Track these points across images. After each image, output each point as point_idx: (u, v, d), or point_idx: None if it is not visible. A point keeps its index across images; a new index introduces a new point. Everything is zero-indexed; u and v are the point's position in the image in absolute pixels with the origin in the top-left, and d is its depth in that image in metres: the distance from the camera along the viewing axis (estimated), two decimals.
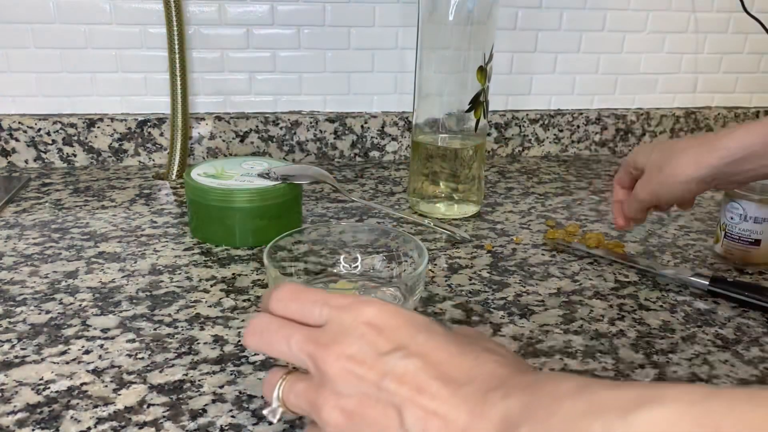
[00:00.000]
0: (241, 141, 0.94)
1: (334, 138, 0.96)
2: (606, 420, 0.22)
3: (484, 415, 0.25)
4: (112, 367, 0.45)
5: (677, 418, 0.21)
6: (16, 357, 0.46)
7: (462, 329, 0.35)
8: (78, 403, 0.41)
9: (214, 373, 0.45)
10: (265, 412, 0.33)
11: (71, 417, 0.40)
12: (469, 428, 0.25)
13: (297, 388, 0.31)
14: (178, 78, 0.86)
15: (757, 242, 0.62)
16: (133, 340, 0.48)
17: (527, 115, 1.02)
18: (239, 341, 0.49)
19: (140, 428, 0.39)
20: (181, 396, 0.42)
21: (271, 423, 0.35)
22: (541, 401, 0.24)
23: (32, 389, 0.43)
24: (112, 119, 0.89)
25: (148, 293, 0.56)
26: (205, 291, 0.56)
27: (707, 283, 0.57)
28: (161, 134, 0.91)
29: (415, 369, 0.27)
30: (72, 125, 0.89)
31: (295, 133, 0.95)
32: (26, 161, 0.89)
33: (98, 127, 0.89)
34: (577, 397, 0.24)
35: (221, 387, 0.43)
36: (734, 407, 0.21)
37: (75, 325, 0.50)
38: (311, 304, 0.31)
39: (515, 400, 0.25)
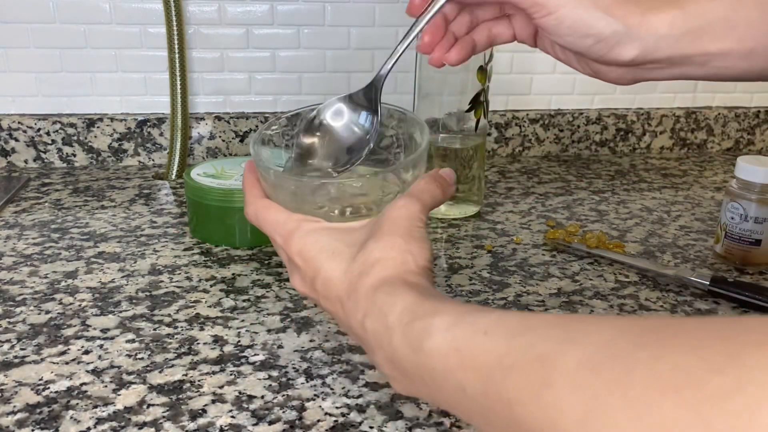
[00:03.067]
0: (241, 141, 0.94)
1: None
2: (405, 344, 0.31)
3: (353, 323, 0.35)
4: (112, 367, 0.45)
5: (444, 344, 0.29)
6: (15, 357, 0.46)
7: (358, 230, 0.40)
8: (78, 404, 0.41)
9: (213, 373, 0.45)
10: None
11: (71, 417, 0.40)
12: (350, 328, 0.36)
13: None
14: (178, 78, 0.86)
15: (758, 242, 0.62)
16: (132, 341, 0.48)
17: (527, 115, 1.02)
18: (239, 341, 0.49)
19: (140, 428, 0.39)
20: (180, 396, 0.42)
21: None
22: (377, 317, 0.33)
23: (32, 389, 0.42)
24: (111, 119, 0.89)
25: (148, 293, 0.55)
26: (205, 291, 0.56)
27: (708, 283, 0.57)
28: (161, 134, 0.91)
29: (325, 291, 0.37)
30: (71, 125, 0.88)
31: None
32: (26, 161, 0.89)
33: (98, 127, 0.89)
34: (400, 332, 0.31)
35: (221, 387, 0.43)
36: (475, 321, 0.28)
37: (75, 326, 0.50)
38: (269, 235, 0.41)
39: (360, 311, 0.34)
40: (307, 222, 0.39)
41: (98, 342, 0.48)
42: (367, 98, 0.46)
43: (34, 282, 0.57)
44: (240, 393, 0.43)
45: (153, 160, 0.92)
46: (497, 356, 0.26)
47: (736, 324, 0.20)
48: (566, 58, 0.47)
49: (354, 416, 0.41)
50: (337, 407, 0.42)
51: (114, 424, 0.39)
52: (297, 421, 0.40)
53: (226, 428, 0.39)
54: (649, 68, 0.44)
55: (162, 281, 0.58)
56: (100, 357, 0.46)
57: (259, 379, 0.44)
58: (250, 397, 0.42)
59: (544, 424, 0.23)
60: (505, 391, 0.25)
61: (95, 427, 0.39)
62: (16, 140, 0.88)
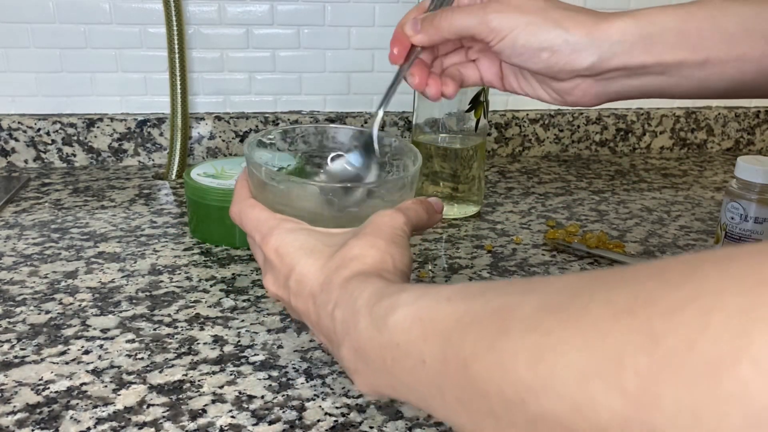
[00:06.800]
0: (241, 141, 0.94)
1: None
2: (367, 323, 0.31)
3: (323, 315, 0.34)
4: (112, 367, 0.45)
5: (407, 316, 0.28)
6: (15, 357, 0.46)
7: (336, 232, 0.40)
8: (78, 404, 0.41)
9: (213, 373, 0.45)
10: None
11: (71, 417, 0.40)
12: (319, 323, 0.35)
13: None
14: (178, 78, 0.86)
15: (758, 243, 0.62)
16: (132, 341, 0.48)
17: (527, 115, 1.02)
18: (239, 341, 0.49)
19: (140, 428, 0.39)
20: (180, 396, 0.42)
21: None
22: (346, 308, 0.33)
23: (32, 389, 0.42)
24: (111, 119, 0.89)
25: (148, 293, 0.55)
26: (205, 291, 0.56)
27: None
28: (161, 134, 0.91)
29: (298, 288, 0.37)
30: (71, 125, 0.88)
31: None
32: (26, 161, 0.89)
33: (98, 127, 0.89)
34: (367, 313, 0.31)
35: (221, 387, 0.43)
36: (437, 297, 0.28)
37: (75, 326, 0.50)
38: (249, 233, 0.41)
39: (332, 302, 0.34)
40: (289, 222, 0.39)
41: (98, 342, 0.48)
42: (367, 150, 0.47)
43: (34, 282, 0.57)
44: (240, 393, 0.43)
45: (153, 160, 0.92)
46: (457, 318, 0.26)
47: (702, 251, 0.19)
48: (533, 90, 0.49)
49: (354, 416, 0.41)
50: (337, 407, 0.42)
51: (114, 424, 0.39)
52: (297, 421, 0.40)
53: (226, 428, 0.39)
54: (608, 79, 0.45)
55: (162, 281, 0.58)
56: (100, 357, 0.46)
57: (259, 379, 0.44)
58: (250, 397, 0.42)
59: (496, 373, 0.22)
60: (461, 351, 0.25)
61: (95, 427, 0.39)
62: (16, 140, 0.88)
